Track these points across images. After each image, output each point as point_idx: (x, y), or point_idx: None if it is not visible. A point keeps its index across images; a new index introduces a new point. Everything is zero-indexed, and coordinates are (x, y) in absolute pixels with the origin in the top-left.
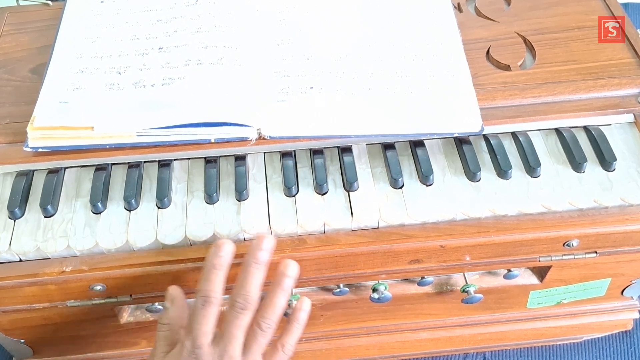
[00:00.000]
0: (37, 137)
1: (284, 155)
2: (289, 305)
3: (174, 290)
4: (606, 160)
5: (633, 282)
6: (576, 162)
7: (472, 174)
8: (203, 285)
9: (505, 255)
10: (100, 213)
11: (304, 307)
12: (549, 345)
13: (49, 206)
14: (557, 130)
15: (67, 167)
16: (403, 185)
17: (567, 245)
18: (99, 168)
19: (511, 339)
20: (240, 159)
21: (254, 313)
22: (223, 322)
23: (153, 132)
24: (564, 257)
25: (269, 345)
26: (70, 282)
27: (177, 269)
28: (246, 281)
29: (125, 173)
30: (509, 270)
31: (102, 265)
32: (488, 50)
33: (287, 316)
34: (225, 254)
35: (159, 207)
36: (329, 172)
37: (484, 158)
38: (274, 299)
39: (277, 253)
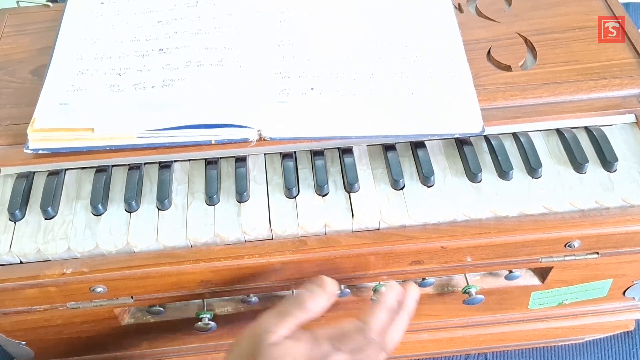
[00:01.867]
0: (38, 138)
1: (285, 156)
2: None
3: (332, 285)
4: (607, 160)
5: (635, 282)
6: (577, 163)
7: (473, 174)
8: (374, 322)
9: (506, 256)
10: (100, 215)
11: (412, 295)
12: (551, 346)
13: (49, 208)
14: (558, 130)
15: (68, 169)
16: (404, 186)
17: (569, 246)
18: (100, 170)
19: (513, 339)
20: (240, 160)
21: None
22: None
23: (153, 133)
24: (566, 258)
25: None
26: (70, 284)
27: (177, 271)
28: (401, 331)
29: (126, 175)
30: (510, 271)
31: (103, 267)
32: (489, 51)
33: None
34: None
35: (159, 209)
36: (329, 173)
37: (485, 159)
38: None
39: (278, 254)
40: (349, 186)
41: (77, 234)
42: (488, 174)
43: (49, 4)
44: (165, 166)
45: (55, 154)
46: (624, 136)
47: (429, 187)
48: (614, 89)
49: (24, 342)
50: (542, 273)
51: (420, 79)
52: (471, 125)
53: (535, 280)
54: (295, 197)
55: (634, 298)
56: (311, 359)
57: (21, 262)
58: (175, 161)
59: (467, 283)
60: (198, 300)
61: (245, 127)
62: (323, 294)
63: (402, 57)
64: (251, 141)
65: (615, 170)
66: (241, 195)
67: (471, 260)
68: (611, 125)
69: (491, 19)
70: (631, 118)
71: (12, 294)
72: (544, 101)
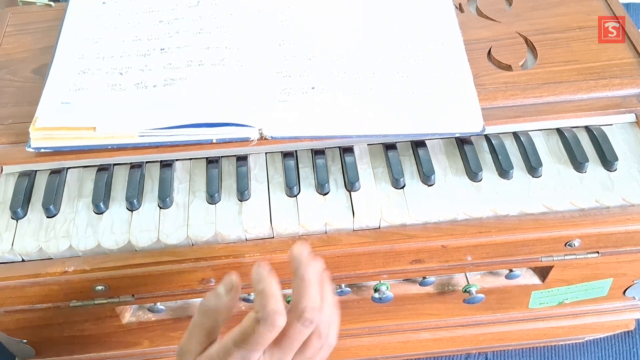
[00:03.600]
0: (40, 137)
1: (286, 155)
2: None
3: (236, 279)
4: (608, 160)
5: (635, 282)
6: (578, 162)
7: (473, 174)
8: (264, 310)
9: (506, 256)
10: (102, 213)
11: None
12: (551, 346)
13: (51, 206)
14: (558, 130)
15: (70, 168)
16: (404, 185)
17: (569, 245)
18: (101, 168)
19: (513, 339)
20: (241, 159)
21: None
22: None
23: (155, 132)
24: (566, 257)
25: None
26: (72, 282)
27: (179, 269)
28: (313, 291)
29: (127, 173)
30: (511, 271)
31: (104, 266)
32: (489, 51)
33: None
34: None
35: (160, 207)
36: (330, 172)
37: (486, 158)
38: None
39: (279, 254)
40: (350, 185)
41: (78, 232)
42: (488, 173)
43: (51, 3)
44: (166, 165)
45: (57, 152)
46: (624, 135)
47: (429, 186)
48: (614, 88)
49: (25, 340)
50: (543, 272)
51: (421, 78)
52: (472, 124)
53: (536, 280)
54: (296, 196)
55: (634, 297)
56: None
57: (23, 260)
58: (176, 160)
59: (468, 282)
60: (199, 299)
61: (247, 126)
62: (225, 293)
63: (403, 56)
64: (252, 140)
65: (616, 170)
66: (242, 193)
67: (471, 259)
68: (611, 124)
69: (492, 19)
70: (631, 117)
71: (14, 292)
72: (544, 101)
